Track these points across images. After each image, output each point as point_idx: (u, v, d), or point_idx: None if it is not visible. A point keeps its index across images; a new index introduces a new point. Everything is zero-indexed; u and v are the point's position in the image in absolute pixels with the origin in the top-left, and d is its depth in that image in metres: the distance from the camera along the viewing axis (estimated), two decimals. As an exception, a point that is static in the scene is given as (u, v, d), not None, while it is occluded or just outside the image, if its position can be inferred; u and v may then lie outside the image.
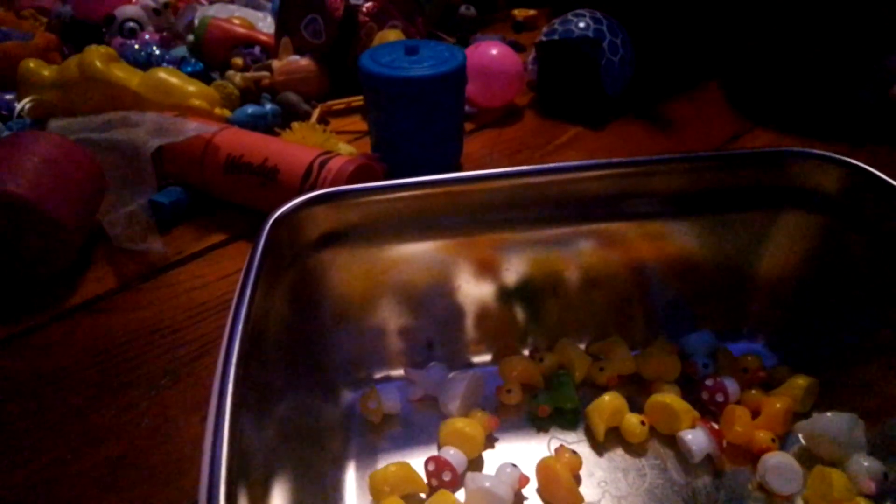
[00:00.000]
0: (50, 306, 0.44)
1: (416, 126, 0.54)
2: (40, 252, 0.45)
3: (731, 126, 0.67)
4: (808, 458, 0.32)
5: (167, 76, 0.60)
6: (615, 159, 0.34)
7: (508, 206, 0.35)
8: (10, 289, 0.46)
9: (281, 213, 0.30)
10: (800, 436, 0.33)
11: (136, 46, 0.74)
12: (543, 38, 0.69)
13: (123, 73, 0.59)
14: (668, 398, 0.34)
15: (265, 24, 0.83)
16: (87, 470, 0.33)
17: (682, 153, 0.34)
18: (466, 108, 0.69)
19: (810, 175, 0.34)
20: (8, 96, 0.62)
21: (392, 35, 0.69)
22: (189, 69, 0.71)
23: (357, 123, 0.68)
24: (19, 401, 0.37)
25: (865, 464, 0.31)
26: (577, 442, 0.34)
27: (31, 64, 0.59)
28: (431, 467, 0.31)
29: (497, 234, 0.36)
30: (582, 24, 0.67)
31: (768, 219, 0.36)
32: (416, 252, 0.35)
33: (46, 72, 0.59)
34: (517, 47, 0.85)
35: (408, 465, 0.31)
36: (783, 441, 0.33)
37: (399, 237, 0.34)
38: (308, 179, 0.48)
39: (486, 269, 0.37)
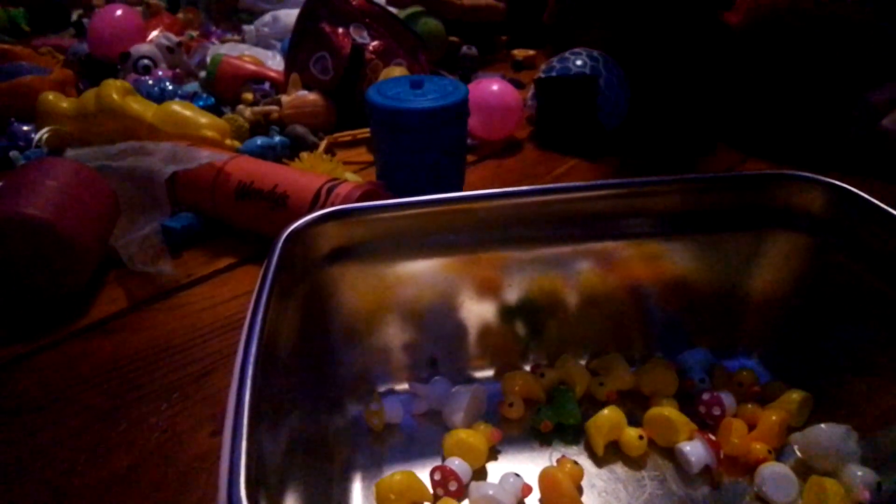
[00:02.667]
0: (64, 325, 0.46)
1: (420, 156, 0.56)
2: (56, 273, 0.46)
3: (726, 158, 0.69)
4: (804, 469, 0.33)
5: (181, 109, 0.63)
6: (612, 180, 0.36)
7: (510, 224, 0.36)
8: (27, 308, 0.47)
9: (294, 229, 0.31)
10: (795, 447, 0.34)
11: (150, 82, 0.77)
12: (542, 75, 0.72)
13: (139, 106, 0.62)
14: (667, 411, 0.34)
15: (274, 63, 0.86)
16: (96, 483, 0.34)
17: (675, 176, 0.36)
18: (468, 140, 0.71)
19: (796, 196, 0.36)
20: (25, 127, 0.65)
21: (397, 71, 0.72)
22: (201, 103, 0.74)
23: (362, 155, 0.70)
24: (32, 416, 0.38)
25: (859, 473, 0.31)
26: (577, 455, 0.35)
27: (51, 96, 0.62)
28: (437, 477, 0.32)
29: (499, 253, 0.38)
30: (579, 62, 0.70)
31: (757, 239, 0.37)
32: (422, 269, 0.37)
33: (65, 104, 0.62)
34: (517, 84, 0.88)
35: (413, 474, 0.32)
36: (779, 453, 0.34)
37: (405, 254, 0.36)
38: (317, 204, 0.50)
39: (489, 286, 0.38)
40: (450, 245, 0.36)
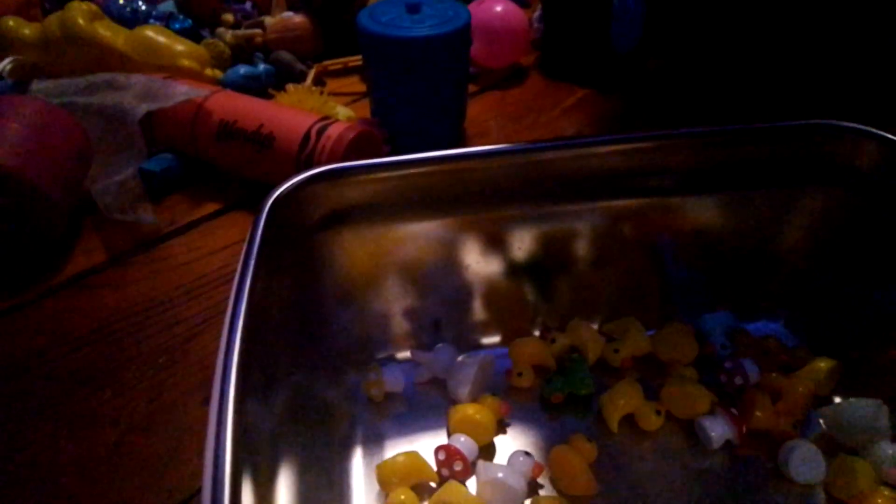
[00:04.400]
0: (38, 282, 0.43)
1: (418, 90, 0.51)
2: (27, 225, 0.42)
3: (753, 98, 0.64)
4: (829, 445, 0.31)
5: (155, 35, 0.57)
6: (629, 134, 0.32)
7: (517, 182, 0.33)
8: (-5, 264, 0.44)
9: (281, 192, 0.28)
10: (821, 421, 0.32)
11: (121, 2, 0.70)
12: (551, -8, 0.66)
13: (108, 32, 0.56)
14: (688, 384, 0.32)
15: (256, -22, 0.78)
16: (80, 459, 0.32)
17: (700, 127, 0.32)
18: (470, 68, 0.66)
19: (839, 149, 0.32)
20: (-14, 56, 0.59)
21: (391, -10, 0.66)
22: (177, 26, 0.68)
23: (355, 84, 0.65)
24: (8, 384, 0.36)
25: (890, 451, 0.30)
26: (590, 428, 0.33)
27: (11, 22, 0.56)
28: (442, 456, 0.30)
29: (506, 211, 0.34)
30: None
31: (793, 195, 0.34)
32: (422, 230, 0.34)
33: (27, 30, 0.56)
34: (523, 3, 0.81)
35: (417, 454, 0.30)
36: (803, 426, 0.32)
37: (404, 215, 0.32)
38: (305, 147, 0.45)
39: (495, 246, 0.35)
40: (452, 204, 0.33)
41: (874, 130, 0.31)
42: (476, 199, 0.33)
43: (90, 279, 0.43)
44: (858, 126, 0.31)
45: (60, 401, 0.35)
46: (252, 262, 0.24)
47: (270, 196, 0.27)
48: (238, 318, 0.22)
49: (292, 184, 0.28)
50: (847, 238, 0.34)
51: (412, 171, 0.30)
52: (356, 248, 0.32)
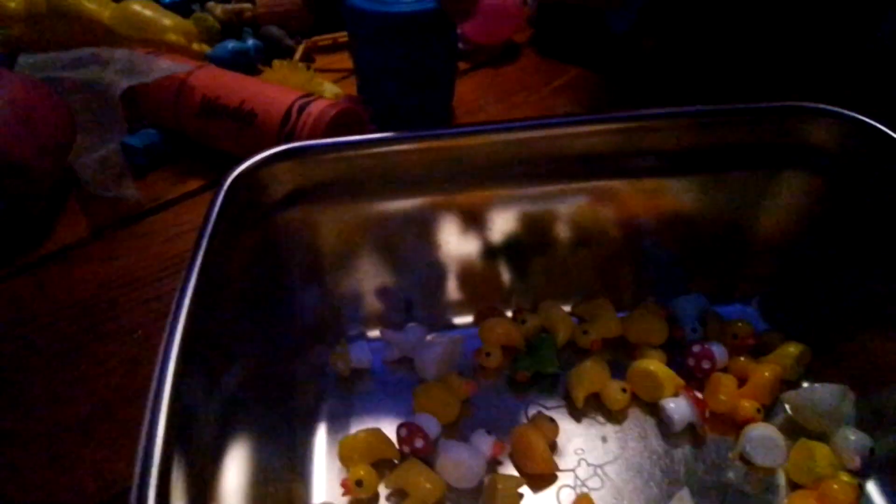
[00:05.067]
0: (18, 256, 0.43)
1: (404, 67, 0.51)
2: (5, 200, 0.43)
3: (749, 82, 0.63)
4: (794, 430, 0.31)
5: (141, 8, 0.57)
6: (608, 113, 0.32)
7: (493, 161, 0.33)
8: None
9: (243, 170, 0.28)
10: (786, 406, 0.32)
11: (112, -26, 0.70)
12: (544, -32, 0.64)
13: (94, 5, 0.56)
14: (652, 365, 0.32)
15: (250, -49, 0.78)
16: (53, 428, 0.33)
17: (674, 108, 0.32)
18: (460, 45, 0.65)
19: (813, 131, 0.31)
20: (-25, 29, 0.59)
21: (382, -36, 0.65)
22: (168, 0, 0.67)
23: (345, 61, 0.64)
24: (-14, 355, 0.37)
25: (852, 437, 0.30)
26: (556, 407, 0.33)
27: (-4, -6, 0.56)
28: (404, 433, 0.30)
29: (481, 191, 0.34)
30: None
31: (768, 178, 0.33)
32: (393, 210, 0.33)
33: (13, 3, 0.56)
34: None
35: (379, 431, 0.30)
36: (769, 411, 0.32)
37: (374, 194, 0.32)
38: (287, 124, 0.45)
39: (469, 227, 0.35)
40: (424, 184, 0.33)
41: (845, 112, 0.30)
42: (450, 179, 0.33)
43: (71, 253, 0.44)
44: (830, 107, 0.31)
45: (37, 372, 0.36)
46: (205, 240, 0.24)
47: (231, 172, 0.27)
48: (185, 296, 0.22)
49: (253, 162, 0.28)
50: (820, 223, 0.33)
51: (380, 149, 0.30)
52: (323, 227, 0.32)
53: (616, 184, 0.35)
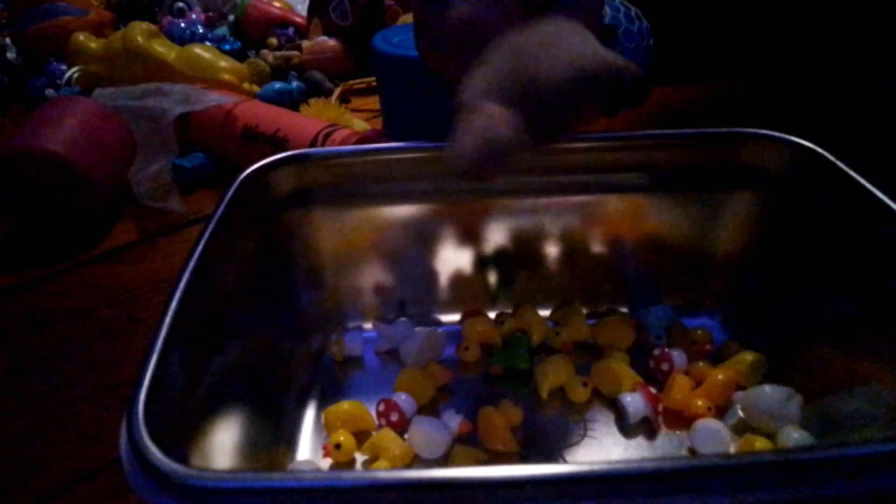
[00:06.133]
0: (76, 254, 0.50)
1: (422, 104, 0.56)
2: (72, 205, 0.50)
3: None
4: (745, 429, 0.33)
5: (202, 52, 0.65)
6: (578, 134, 0.36)
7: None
8: (43, 236, 0.51)
9: (252, 171, 0.33)
10: (738, 407, 0.34)
11: (182, 25, 0.80)
12: (562, 24, 0.70)
13: (162, 48, 0.64)
14: (613, 363, 0.35)
15: (303, 8, 0.87)
16: (90, 394, 0.38)
17: (641, 131, 0.36)
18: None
19: (759, 154, 0.35)
20: (62, 66, 0.69)
21: (416, 18, 0.72)
22: (227, 47, 0.76)
23: (376, 103, 0.71)
24: (44, 331, 0.43)
25: (795, 435, 0.32)
26: (524, 399, 0.36)
27: (81, 37, 0.65)
28: (381, 408, 0.34)
29: (470, 203, 0.38)
30: (601, 11, 0.68)
31: (722, 197, 0.37)
32: (390, 215, 0.38)
33: (94, 44, 0.65)
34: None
35: (360, 404, 0.34)
36: (724, 412, 0.35)
37: (371, 200, 0.37)
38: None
39: (462, 235, 0.39)
40: (417, 192, 0.38)
41: (782, 136, 0.34)
42: (438, 189, 0.38)
43: (121, 253, 0.50)
44: (772, 133, 0.34)
45: (82, 348, 0.41)
46: (211, 226, 0.29)
47: (242, 173, 0.33)
48: (186, 271, 0.26)
49: (262, 165, 0.33)
50: (770, 242, 0.36)
51: (373, 158, 0.35)
52: (324, 228, 0.37)
53: (595, 199, 0.38)
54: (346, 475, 0.18)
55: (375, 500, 0.17)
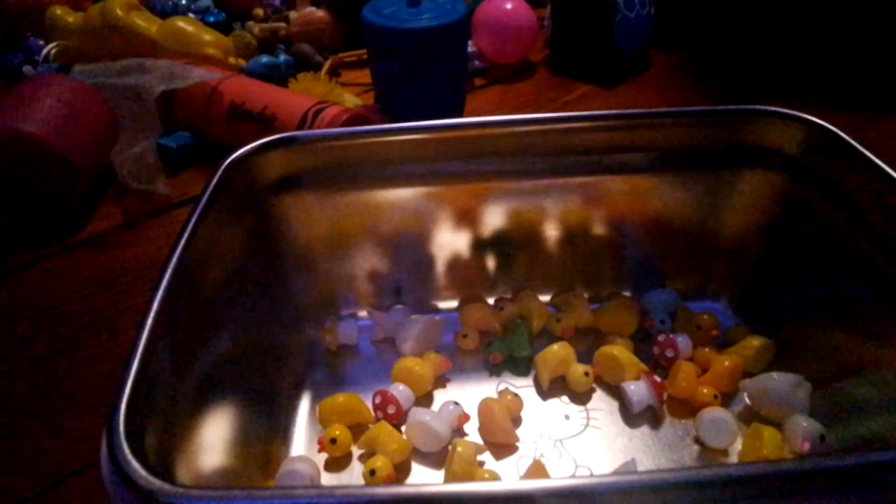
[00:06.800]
0: (60, 240, 0.48)
1: (415, 78, 0.54)
2: (52, 189, 0.48)
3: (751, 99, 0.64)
4: (752, 417, 0.33)
5: (184, 25, 0.62)
6: (576, 113, 0.34)
7: (469, 155, 0.36)
8: (24, 222, 0.49)
9: (236, 157, 0.31)
10: (745, 394, 0.33)
11: (164, -4, 0.76)
12: (559, -7, 0.68)
13: (143, 22, 0.62)
14: (616, 350, 0.34)
15: (290, -24, 0.84)
16: (74, 384, 0.37)
17: (650, 109, 0.34)
18: (478, 63, 0.69)
19: (770, 133, 0.33)
20: (40, 42, 0.66)
21: (407, -13, 0.69)
22: (212, 19, 0.73)
23: (368, 76, 0.69)
24: (25, 322, 0.41)
25: (804, 424, 0.31)
26: (524, 387, 0.35)
27: (58, 11, 0.62)
28: (378, 400, 0.33)
29: (468, 185, 0.37)
30: (600, -22, 0.65)
31: (732, 177, 0.35)
32: (386, 199, 0.36)
33: (71, 18, 0.62)
34: (539, 3, 0.83)
35: (356, 396, 0.33)
36: (730, 400, 0.34)
37: (363, 184, 0.36)
38: (303, 127, 0.49)
39: (456, 217, 0.38)
40: (411, 175, 0.36)
41: (795, 113, 0.32)
42: (431, 172, 0.36)
43: (105, 238, 0.48)
44: (784, 110, 0.33)
45: (66, 338, 0.40)
46: (196, 214, 0.27)
47: (226, 158, 0.31)
48: (166, 270, 0.25)
49: (248, 149, 0.32)
50: (782, 222, 0.35)
51: (364, 141, 0.34)
52: (315, 213, 0.35)
53: (595, 180, 0.37)
54: (339, 491, 0.17)
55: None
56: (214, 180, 0.29)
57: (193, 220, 0.27)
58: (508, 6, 0.67)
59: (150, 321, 0.23)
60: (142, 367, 0.22)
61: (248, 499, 0.17)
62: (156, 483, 0.17)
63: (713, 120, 0.34)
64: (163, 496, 0.17)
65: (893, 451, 0.18)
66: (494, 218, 0.38)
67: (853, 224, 0.32)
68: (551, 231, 0.39)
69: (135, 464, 0.18)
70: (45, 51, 0.62)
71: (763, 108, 0.33)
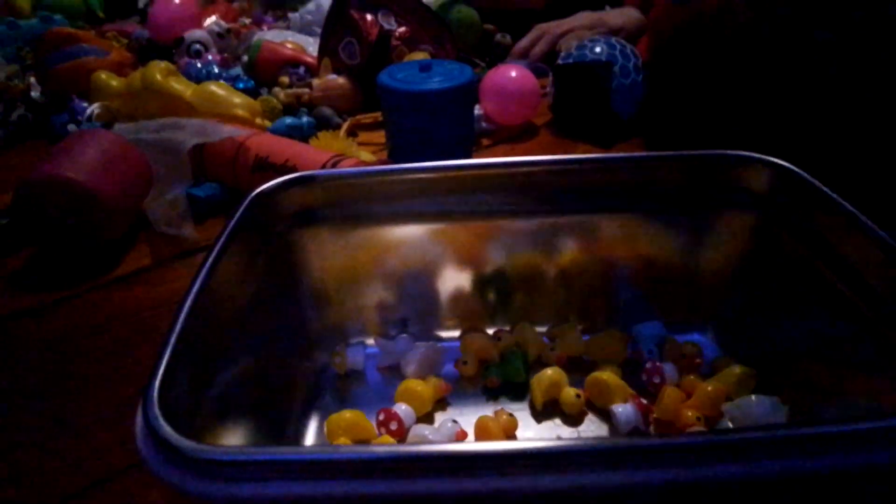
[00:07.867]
0: (95, 277, 0.52)
1: (425, 135, 0.59)
2: (90, 229, 0.52)
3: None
4: (734, 439, 0.34)
5: (217, 89, 0.68)
6: (562, 157, 0.38)
7: (474, 193, 0.39)
8: (66, 259, 0.53)
9: (259, 192, 0.35)
10: (727, 417, 0.35)
11: (199, 65, 0.84)
12: (560, 62, 0.74)
13: (179, 86, 0.68)
14: (606, 375, 0.37)
15: (314, 48, 0.91)
16: (97, 409, 0.40)
17: (633, 154, 0.38)
18: (484, 124, 0.74)
19: (742, 176, 0.37)
20: (84, 104, 0.72)
21: (420, 56, 0.75)
22: (241, 86, 0.80)
23: (383, 137, 0.74)
24: (62, 347, 0.44)
25: (781, 444, 0.33)
26: (519, 410, 0.37)
27: (103, 75, 0.69)
28: (381, 417, 0.35)
29: (471, 223, 0.41)
30: (598, 49, 0.71)
31: (710, 218, 0.39)
32: (396, 235, 0.40)
33: (115, 82, 0.68)
34: (542, 71, 0.89)
35: (361, 413, 0.35)
36: (714, 424, 0.36)
37: (374, 220, 0.39)
38: (320, 177, 0.54)
39: (462, 254, 0.41)
40: (419, 213, 0.40)
41: (763, 157, 0.36)
42: (440, 210, 0.40)
43: (136, 277, 0.52)
44: (751, 154, 0.36)
45: (98, 362, 0.43)
46: (217, 248, 0.31)
47: (250, 194, 0.35)
48: (189, 294, 0.28)
49: (270, 186, 0.36)
50: (756, 259, 0.38)
51: (377, 179, 0.37)
52: (330, 247, 0.39)
53: (589, 220, 0.40)
54: (344, 448, 0.19)
55: (368, 470, 0.19)
56: (238, 214, 0.33)
57: (216, 250, 0.30)
58: (513, 74, 0.73)
59: (174, 336, 0.26)
60: (167, 372, 0.25)
61: (264, 454, 0.19)
62: (186, 442, 0.20)
63: (691, 163, 0.38)
64: (195, 453, 0.19)
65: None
66: (495, 255, 0.41)
67: (822, 259, 0.34)
68: (547, 267, 0.42)
69: (166, 426, 0.20)
70: (88, 111, 0.68)
71: (733, 152, 0.37)
